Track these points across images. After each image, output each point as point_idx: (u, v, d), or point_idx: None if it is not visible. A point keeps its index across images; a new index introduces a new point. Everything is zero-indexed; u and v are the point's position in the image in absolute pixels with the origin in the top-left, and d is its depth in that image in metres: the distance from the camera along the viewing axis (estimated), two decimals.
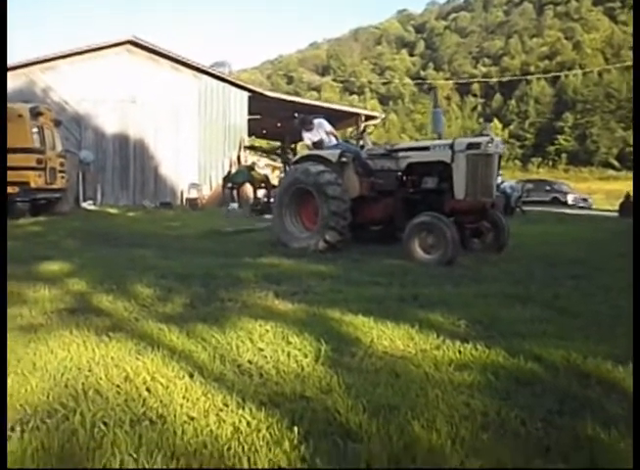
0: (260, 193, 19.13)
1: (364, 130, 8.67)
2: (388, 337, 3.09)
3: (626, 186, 21.60)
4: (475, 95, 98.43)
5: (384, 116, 35.97)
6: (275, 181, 17.24)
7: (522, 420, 2.09)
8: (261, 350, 2.85)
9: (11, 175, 11.06)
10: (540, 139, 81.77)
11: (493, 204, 6.75)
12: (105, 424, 2.00)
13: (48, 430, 1.97)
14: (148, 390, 2.32)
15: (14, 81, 19.17)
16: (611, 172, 67.59)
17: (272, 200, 10.22)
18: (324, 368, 2.59)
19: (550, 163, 78.55)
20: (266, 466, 1.77)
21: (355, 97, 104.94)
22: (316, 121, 8.25)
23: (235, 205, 17.78)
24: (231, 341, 2.96)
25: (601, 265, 6.09)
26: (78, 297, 4.12)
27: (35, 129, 11.92)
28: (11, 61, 19.67)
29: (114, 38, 20.73)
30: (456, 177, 6.32)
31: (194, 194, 20.38)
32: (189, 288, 4.44)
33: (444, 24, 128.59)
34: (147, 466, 1.75)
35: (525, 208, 17.80)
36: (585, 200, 28.94)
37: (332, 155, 7.27)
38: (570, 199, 28.13)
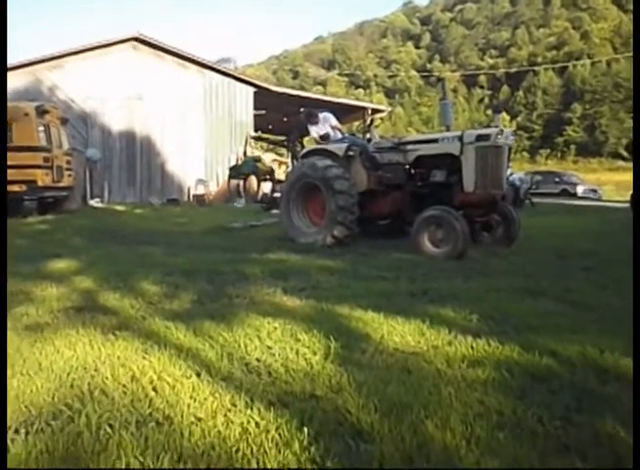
0: (267, 188, 19.10)
1: (371, 123, 8.57)
2: (398, 333, 3.03)
3: None
4: (482, 87, 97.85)
5: (390, 109, 35.76)
6: (282, 176, 17.19)
7: (539, 418, 2.03)
8: (270, 347, 2.80)
9: (18, 174, 11.09)
10: (548, 130, 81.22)
11: (503, 196, 6.66)
12: (110, 426, 1.96)
13: (53, 432, 1.94)
14: (154, 390, 2.28)
15: (20, 80, 19.23)
16: (620, 163, 66.98)
17: (278, 195, 10.14)
18: (334, 366, 2.54)
19: (559, 154, 78.02)
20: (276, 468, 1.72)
21: (361, 91, 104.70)
22: (322, 115, 8.18)
23: (242, 200, 17.75)
24: (239, 338, 2.91)
25: (612, 257, 5.99)
26: (85, 295, 4.09)
27: (42, 128, 11.91)
28: (16, 59, 19.73)
29: (120, 35, 20.70)
30: (465, 170, 6.23)
31: (201, 190, 20.37)
32: (196, 284, 4.40)
33: (450, 16, 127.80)
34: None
35: (535, 200, 17.62)
36: (595, 191, 28.63)
37: (339, 149, 7.20)
38: (579, 190, 27.82)
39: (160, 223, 10.96)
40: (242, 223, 10.06)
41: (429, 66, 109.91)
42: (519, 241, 6.82)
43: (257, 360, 2.64)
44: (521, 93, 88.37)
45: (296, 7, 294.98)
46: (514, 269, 5.20)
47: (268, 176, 19.57)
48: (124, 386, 2.33)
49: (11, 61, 19.73)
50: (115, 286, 4.31)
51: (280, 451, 1.79)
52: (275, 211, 10.82)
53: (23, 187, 11.28)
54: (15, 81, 18.94)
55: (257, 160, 19.72)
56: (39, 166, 11.61)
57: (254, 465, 1.73)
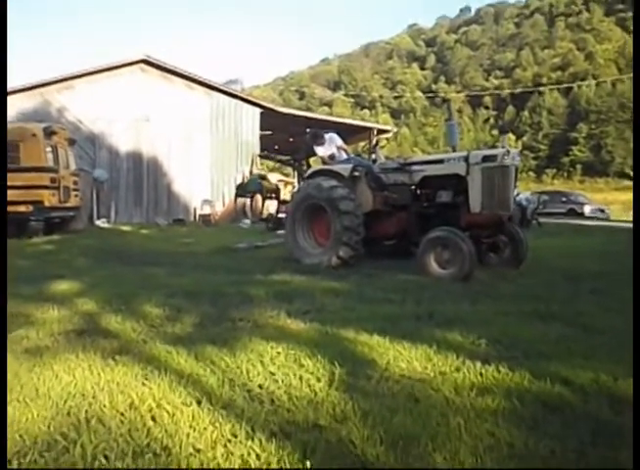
0: (272, 207, 19.13)
1: (376, 144, 8.58)
2: (405, 358, 2.95)
3: None
4: (487, 107, 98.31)
5: (395, 129, 35.92)
6: (288, 196, 17.22)
7: (551, 451, 1.95)
8: (273, 373, 2.73)
9: (25, 194, 11.15)
10: (554, 150, 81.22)
11: (510, 217, 6.59)
12: (106, 457, 1.90)
13: (46, 463, 1.87)
14: (153, 418, 2.21)
15: (29, 101, 19.46)
16: (627, 183, 66.65)
17: (283, 215, 10.12)
18: (338, 393, 2.46)
19: (565, 174, 77.94)
20: None
21: (367, 111, 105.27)
22: (327, 136, 8.20)
23: (248, 221, 17.75)
24: (241, 364, 2.84)
25: (622, 279, 5.88)
26: (87, 317, 4.03)
27: (49, 148, 11.98)
28: (26, 81, 19.98)
29: (128, 57, 20.97)
30: (472, 191, 6.18)
31: (207, 210, 20.41)
32: (199, 307, 4.34)
33: (455, 38, 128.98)
34: None
35: (542, 220, 17.51)
36: (602, 211, 28.45)
37: (344, 169, 7.18)
38: (586, 210, 27.67)
39: (165, 244, 10.95)
40: (247, 244, 10.02)
41: (434, 86, 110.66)
42: (526, 262, 6.73)
43: (260, 387, 2.57)
44: (526, 113, 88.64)
45: (302, 29, 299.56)
46: (522, 292, 5.11)
47: (274, 195, 19.62)
48: (122, 414, 2.26)
49: (20, 82, 20.03)
50: (118, 308, 4.26)
51: None
52: (280, 232, 10.79)
53: (30, 207, 11.32)
54: (24, 102, 19.19)
55: (263, 177, 19.82)
56: (46, 187, 11.65)
57: None
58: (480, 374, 2.69)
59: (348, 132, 22.00)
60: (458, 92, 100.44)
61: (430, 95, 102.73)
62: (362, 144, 26.19)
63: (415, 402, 2.36)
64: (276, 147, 29.26)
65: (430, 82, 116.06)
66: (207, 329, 3.69)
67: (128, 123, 20.45)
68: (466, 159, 6.25)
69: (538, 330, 3.64)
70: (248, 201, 19.14)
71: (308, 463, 1.81)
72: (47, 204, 11.65)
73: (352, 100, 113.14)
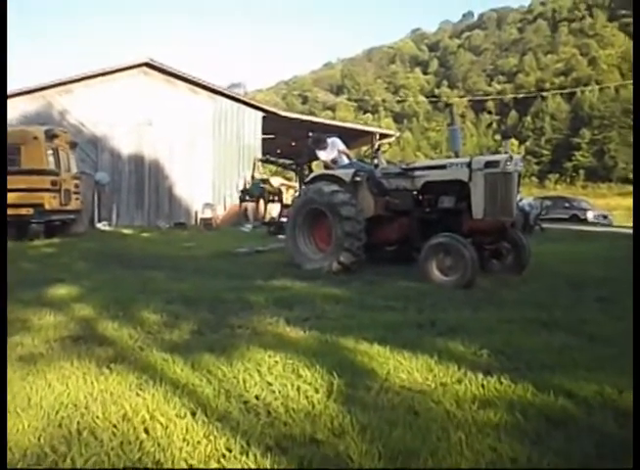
0: (275, 210, 19.09)
1: (378, 149, 8.53)
2: (405, 369, 2.89)
3: None
4: (490, 112, 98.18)
5: (398, 134, 35.84)
6: (290, 200, 17.18)
7: (555, 466, 1.89)
8: (270, 384, 2.67)
9: (26, 197, 11.14)
10: (557, 155, 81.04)
11: (513, 223, 6.53)
12: None
13: None
14: (146, 431, 2.16)
15: (31, 104, 19.49)
16: (630, 188, 66.46)
17: (285, 219, 10.07)
18: (336, 405, 2.40)
19: (568, 179, 77.72)
20: None
21: (370, 116, 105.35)
22: (330, 141, 8.16)
23: (249, 225, 17.71)
24: (238, 374, 2.79)
25: (627, 286, 5.81)
26: (84, 323, 3.99)
27: (50, 151, 11.98)
28: (27, 83, 20.01)
29: (131, 61, 20.99)
30: (474, 196, 6.12)
31: (208, 214, 20.38)
32: (197, 313, 4.29)
33: (458, 43, 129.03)
34: None
35: (544, 225, 17.43)
36: (606, 217, 28.31)
37: (345, 174, 7.13)
38: (590, 216, 27.54)
39: (166, 247, 10.90)
40: (248, 248, 9.97)
41: (437, 91, 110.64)
42: (529, 269, 6.67)
43: (256, 398, 2.51)
44: (529, 118, 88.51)
45: (305, 33, 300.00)
46: (525, 299, 5.04)
47: (276, 198, 19.58)
48: (115, 426, 2.20)
49: (20, 84, 20.05)
50: (115, 314, 4.21)
51: None
52: (281, 237, 10.73)
53: (31, 210, 11.31)
54: (26, 105, 19.22)
55: (265, 181, 19.79)
56: (47, 190, 11.64)
57: None
58: (482, 386, 2.63)
59: (351, 136, 21.97)
60: (461, 97, 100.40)
61: (432, 100, 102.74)
62: (365, 148, 26.18)
63: (415, 416, 2.30)
64: (278, 151, 29.23)
65: (432, 87, 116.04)
66: (205, 336, 3.64)
67: (130, 127, 20.46)
68: (468, 164, 6.19)
69: (541, 339, 3.57)
70: (250, 205, 19.12)
71: None
72: (48, 207, 11.63)
73: (355, 104, 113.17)
